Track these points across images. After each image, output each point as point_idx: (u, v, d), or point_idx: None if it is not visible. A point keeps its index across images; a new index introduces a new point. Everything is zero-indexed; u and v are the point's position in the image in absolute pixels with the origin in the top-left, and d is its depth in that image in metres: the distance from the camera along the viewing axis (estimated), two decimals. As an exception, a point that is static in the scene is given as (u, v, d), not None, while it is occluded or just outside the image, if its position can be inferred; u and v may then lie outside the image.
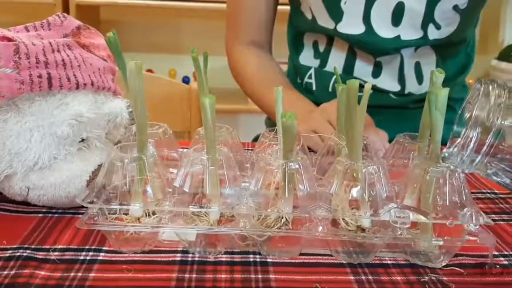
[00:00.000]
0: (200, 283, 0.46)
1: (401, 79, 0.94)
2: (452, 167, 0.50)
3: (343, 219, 0.50)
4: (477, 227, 0.49)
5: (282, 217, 0.49)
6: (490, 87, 0.45)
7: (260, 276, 0.48)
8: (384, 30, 0.89)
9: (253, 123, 1.50)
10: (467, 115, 0.46)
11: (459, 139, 0.45)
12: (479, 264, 0.51)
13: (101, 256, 0.49)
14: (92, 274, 0.46)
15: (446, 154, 0.48)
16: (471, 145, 0.44)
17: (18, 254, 0.49)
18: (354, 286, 0.47)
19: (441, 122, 0.48)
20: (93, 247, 0.51)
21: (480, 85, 0.46)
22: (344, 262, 0.51)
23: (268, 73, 0.99)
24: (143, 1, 1.95)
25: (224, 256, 0.50)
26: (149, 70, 2.15)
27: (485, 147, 0.44)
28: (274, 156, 0.51)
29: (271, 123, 1.11)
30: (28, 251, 0.49)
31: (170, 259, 0.50)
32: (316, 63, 0.99)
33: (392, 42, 0.89)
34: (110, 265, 0.48)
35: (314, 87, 0.99)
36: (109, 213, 0.50)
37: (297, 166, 0.49)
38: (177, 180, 0.51)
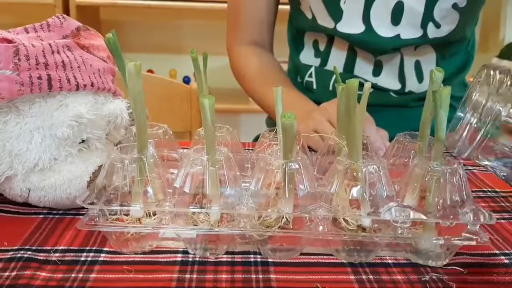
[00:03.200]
0: (201, 283, 0.46)
1: (401, 78, 0.94)
2: (455, 165, 0.50)
3: (343, 218, 0.50)
4: (478, 226, 0.49)
5: (283, 217, 0.49)
6: (492, 72, 0.45)
7: (260, 276, 0.48)
8: (384, 29, 0.89)
9: (254, 123, 1.50)
10: (468, 100, 0.45)
11: (459, 126, 0.45)
12: (480, 263, 0.51)
13: (102, 257, 0.50)
14: (93, 275, 0.46)
15: (449, 140, 0.48)
16: (466, 129, 0.44)
17: (19, 255, 0.49)
18: (355, 286, 0.47)
19: (445, 121, 0.48)
20: (94, 248, 0.51)
21: (483, 70, 0.46)
22: (344, 261, 0.51)
23: (269, 72, 0.99)
24: (143, 1, 1.95)
25: (224, 256, 0.50)
26: (150, 71, 2.15)
27: (480, 133, 0.44)
28: (274, 156, 0.51)
29: (272, 122, 1.11)
30: (29, 252, 0.49)
31: (171, 259, 0.50)
32: (316, 62, 0.99)
33: (391, 41, 0.89)
34: (111, 266, 0.48)
35: (314, 86, 0.99)
36: (109, 214, 0.50)
37: (297, 166, 0.49)
38: (177, 181, 0.51)
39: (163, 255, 0.50)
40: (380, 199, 0.50)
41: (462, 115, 0.45)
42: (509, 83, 0.44)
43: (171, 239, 0.52)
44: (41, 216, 0.57)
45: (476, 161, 0.48)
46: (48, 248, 0.50)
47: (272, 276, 0.48)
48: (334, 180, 0.51)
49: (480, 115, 0.44)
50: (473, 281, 0.48)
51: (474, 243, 0.49)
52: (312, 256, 0.51)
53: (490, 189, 0.69)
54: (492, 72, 0.45)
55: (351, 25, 0.90)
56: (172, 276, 0.47)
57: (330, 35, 0.95)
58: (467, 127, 0.44)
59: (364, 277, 0.48)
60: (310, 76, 1.00)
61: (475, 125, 0.44)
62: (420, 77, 0.95)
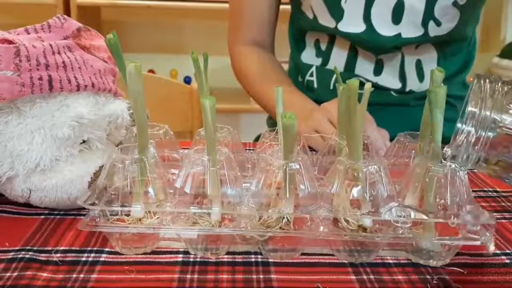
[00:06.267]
0: (202, 283, 0.46)
1: (402, 77, 0.94)
2: (453, 165, 0.50)
3: (344, 218, 0.50)
4: (479, 226, 0.49)
5: (284, 217, 0.49)
6: (482, 81, 0.45)
7: (261, 276, 0.48)
8: (385, 28, 0.89)
9: (255, 123, 1.50)
10: (465, 112, 0.46)
11: (457, 137, 0.45)
12: (481, 263, 0.51)
13: (103, 257, 0.50)
14: (94, 276, 0.47)
15: (447, 152, 0.48)
16: (465, 141, 0.44)
17: (21, 256, 0.49)
18: (356, 286, 0.47)
19: (441, 121, 0.48)
20: (95, 248, 0.51)
21: (475, 80, 0.46)
22: (345, 261, 0.51)
23: (270, 72, 0.99)
24: (144, 1, 1.95)
25: (225, 256, 0.51)
26: (151, 71, 2.15)
27: (479, 144, 0.44)
28: (275, 156, 0.51)
29: (272, 122, 1.11)
30: (30, 252, 0.49)
31: (172, 259, 0.50)
32: (318, 61, 0.99)
33: (392, 40, 0.89)
34: (112, 266, 0.48)
35: (315, 85, 1.00)
36: (110, 215, 0.50)
37: (297, 166, 0.49)
38: (178, 181, 0.51)
39: (164, 256, 0.50)
40: (380, 199, 0.50)
41: (460, 126, 0.45)
42: (500, 90, 0.44)
43: (172, 239, 0.52)
44: (42, 216, 0.57)
45: (480, 170, 0.48)
46: (49, 248, 0.50)
47: (273, 276, 0.48)
48: (334, 180, 0.51)
49: (476, 125, 0.44)
50: (474, 281, 0.48)
51: (476, 243, 0.49)
52: (313, 256, 0.51)
53: (491, 189, 0.69)
54: (482, 82, 0.45)
55: (352, 24, 0.90)
56: (173, 276, 0.47)
57: (331, 35, 0.95)
58: (465, 138, 0.44)
59: (365, 277, 0.48)
60: (311, 75, 1.00)
61: (473, 136, 0.44)
62: (421, 76, 0.95)
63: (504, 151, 0.45)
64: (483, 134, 0.44)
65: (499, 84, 0.45)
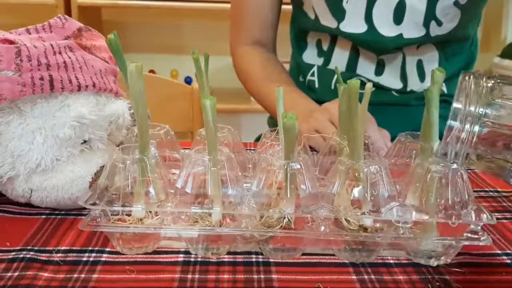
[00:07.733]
0: (203, 283, 0.46)
1: (403, 77, 0.94)
2: (454, 165, 0.50)
3: (345, 218, 0.50)
4: (480, 226, 0.49)
5: (284, 217, 0.49)
6: (467, 77, 0.45)
7: (262, 276, 0.48)
8: (386, 28, 0.89)
9: (256, 123, 1.51)
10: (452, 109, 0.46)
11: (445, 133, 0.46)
12: (482, 263, 0.51)
13: (104, 257, 0.50)
14: (95, 275, 0.47)
15: (437, 150, 0.48)
16: (453, 138, 0.44)
17: (22, 255, 0.49)
18: (357, 286, 0.47)
19: (437, 119, 0.49)
20: (96, 248, 0.51)
21: (461, 77, 0.46)
22: (346, 261, 0.51)
23: (272, 72, 0.99)
24: (144, 2, 1.95)
25: (226, 256, 0.51)
26: (151, 71, 2.16)
27: (466, 139, 0.44)
28: (275, 156, 0.51)
29: (273, 122, 1.11)
30: (31, 252, 0.49)
31: (173, 259, 0.50)
32: (319, 61, 0.99)
33: (394, 41, 0.89)
34: (113, 266, 0.48)
35: (316, 85, 1.00)
36: (111, 215, 0.50)
37: (298, 166, 0.49)
38: (179, 181, 0.51)
39: (165, 255, 0.50)
40: (381, 199, 0.50)
41: (449, 123, 0.45)
42: (485, 85, 0.45)
43: (173, 239, 0.52)
44: (43, 216, 0.57)
45: (472, 167, 0.48)
46: (51, 248, 0.50)
47: (274, 276, 0.48)
48: (335, 180, 0.51)
49: (462, 121, 0.44)
50: (474, 281, 0.48)
51: (477, 243, 0.49)
52: (314, 256, 0.51)
53: (492, 189, 0.69)
54: (467, 78, 0.45)
55: (353, 25, 0.90)
56: (174, 276, 0.47)
57: (333, 35, 0.95)
58: (453, 134, 0.44)
59: (366, 277, 0.48)
60: (312, 75, 1.00)
61: (460, 131, 0.44)
62: (422, 76, 0.95)
63: (494, 146, 0.45)
64: (470, 129, 0.44)
65: (484, 79, 0.45)
